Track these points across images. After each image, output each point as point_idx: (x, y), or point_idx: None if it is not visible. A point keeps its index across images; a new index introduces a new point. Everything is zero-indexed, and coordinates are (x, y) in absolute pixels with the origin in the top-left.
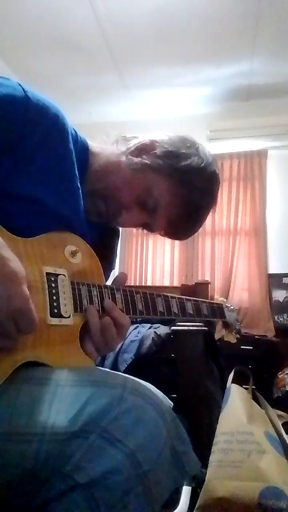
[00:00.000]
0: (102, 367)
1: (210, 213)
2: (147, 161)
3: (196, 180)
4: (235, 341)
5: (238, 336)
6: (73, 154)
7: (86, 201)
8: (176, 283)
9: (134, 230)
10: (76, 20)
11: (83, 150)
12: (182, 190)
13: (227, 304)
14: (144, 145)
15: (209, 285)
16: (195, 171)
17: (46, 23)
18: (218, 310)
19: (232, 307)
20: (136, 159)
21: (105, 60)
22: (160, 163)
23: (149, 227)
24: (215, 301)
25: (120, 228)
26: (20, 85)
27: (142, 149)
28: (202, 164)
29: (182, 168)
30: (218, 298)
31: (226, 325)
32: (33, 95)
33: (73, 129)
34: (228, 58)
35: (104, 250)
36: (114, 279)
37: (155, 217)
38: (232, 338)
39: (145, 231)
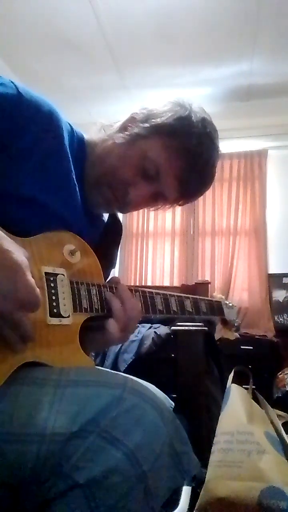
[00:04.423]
0: (102, 367)
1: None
2: (133, 131)
3: (185, 127)
4: (234, 337)
5: (237, 334)
6: (69, 150)
7: (92, 194)
8: (176, 283)
9: (134, 230)
10: (76, 20)
11: (80, 144)
12: (175, 142)
13: (225, 301)
14: (126, 121)
15: (209, 285)
16: (182, 120)
17: (46, 23)
18: (216, 307)
19: (230, 304)
20: (123, 134)
21: (105, 60)
22: (145, 127)
23: (162, 196)
24: (214, 299)
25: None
26: (12, 82)
27: (127, 125)
28: (187, 112)
29: (167, 121)
30: (216, 296)
31: (225, 322)
32: (25, 92)
33: (69, 124)
34: (228, 58)
35: (106, 248)
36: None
37: (162, 180)
38: (230, 335)
39: (160, 209)
